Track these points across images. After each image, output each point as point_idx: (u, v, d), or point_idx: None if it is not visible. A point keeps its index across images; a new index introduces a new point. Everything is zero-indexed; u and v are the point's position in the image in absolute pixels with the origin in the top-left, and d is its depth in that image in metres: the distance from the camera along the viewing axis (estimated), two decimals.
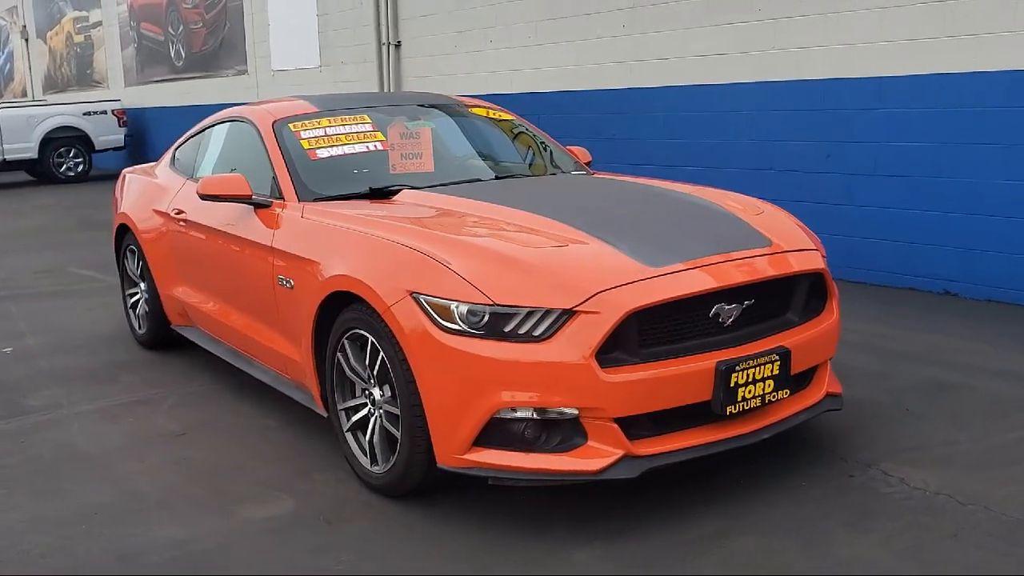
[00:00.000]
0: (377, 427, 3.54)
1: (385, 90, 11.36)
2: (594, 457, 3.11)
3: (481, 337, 3.12)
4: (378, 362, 3.44)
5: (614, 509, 3.34)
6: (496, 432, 3.15)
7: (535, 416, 3.11)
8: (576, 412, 3.09)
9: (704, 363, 3.20)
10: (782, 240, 3.65)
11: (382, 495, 3.53)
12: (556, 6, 8.82)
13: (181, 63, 16.47)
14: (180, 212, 5.04)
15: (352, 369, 3.63)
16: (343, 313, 3.61)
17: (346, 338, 3.61)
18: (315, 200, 4.17)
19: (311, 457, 3.97)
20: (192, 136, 5.57)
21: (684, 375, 3.16)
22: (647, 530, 3.19)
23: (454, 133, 4.97)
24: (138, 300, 5.80)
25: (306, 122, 4.64)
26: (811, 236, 3.82)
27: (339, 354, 3.67)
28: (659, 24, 7.84)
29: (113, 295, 7.31)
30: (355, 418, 3.67)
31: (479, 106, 5.24)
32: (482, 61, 9.88)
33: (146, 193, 5.59)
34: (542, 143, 5.12)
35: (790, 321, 3.55)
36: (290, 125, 4.60)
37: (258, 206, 4.30)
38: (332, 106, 4.84)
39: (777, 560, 2.98)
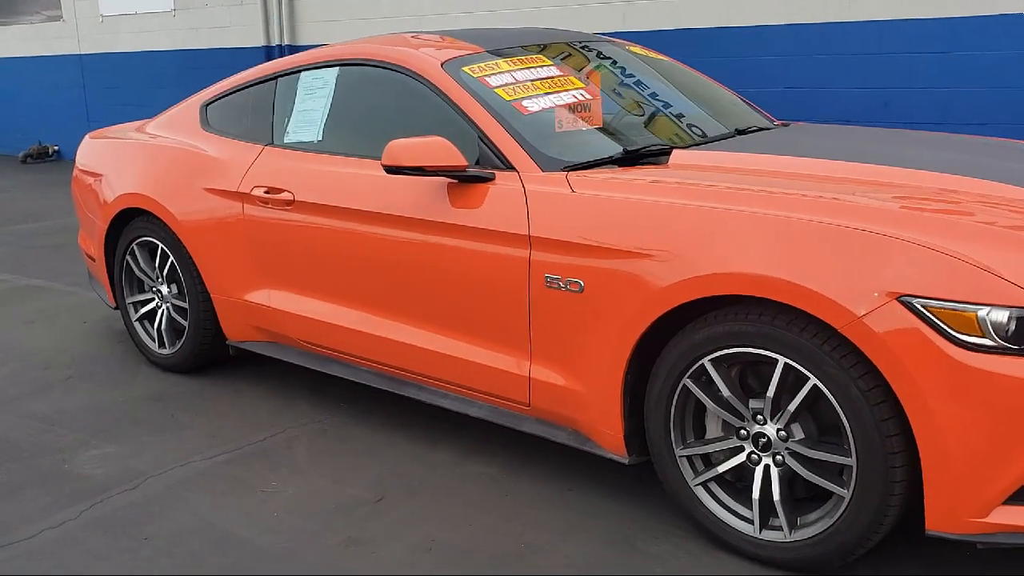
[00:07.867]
0: (775, 476, 2.59)
1: (275, 37, 9.78)
2: None
3: None
4: (803, 393, 2.47)
5: None
6: None
7: None
8: None
9: None
10: None
11: (794, 570, 2.59)
12: None
13: None
14: (276, 191, 3.68)
15: (720, 400, 2.63)
16: (706, 325, 2.60)
17: (708, 360, 2.61)
18: (565, 169, 3.06)
19: (606, 518, 2.92)
20: (238, 89, 4.14)
21: None
22: None
23: (639, 80, 3.91)
24: (156, 310, 4.34)
25: (482, 64, 3.46)
26: None
27: (688, 379, 2.66)
28: None
29: (40, 298, 5.62)
30: (721, 469, 2.69)
31: (634, 46, 4.21)
32: (409, 3, 8.61)
33: (179, 165, 4.11)
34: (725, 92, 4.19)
35: None
36: (465, 69, 3.41)
37: (472, 180, 3.11)
38: (496, 44, 3.66)
39: None
